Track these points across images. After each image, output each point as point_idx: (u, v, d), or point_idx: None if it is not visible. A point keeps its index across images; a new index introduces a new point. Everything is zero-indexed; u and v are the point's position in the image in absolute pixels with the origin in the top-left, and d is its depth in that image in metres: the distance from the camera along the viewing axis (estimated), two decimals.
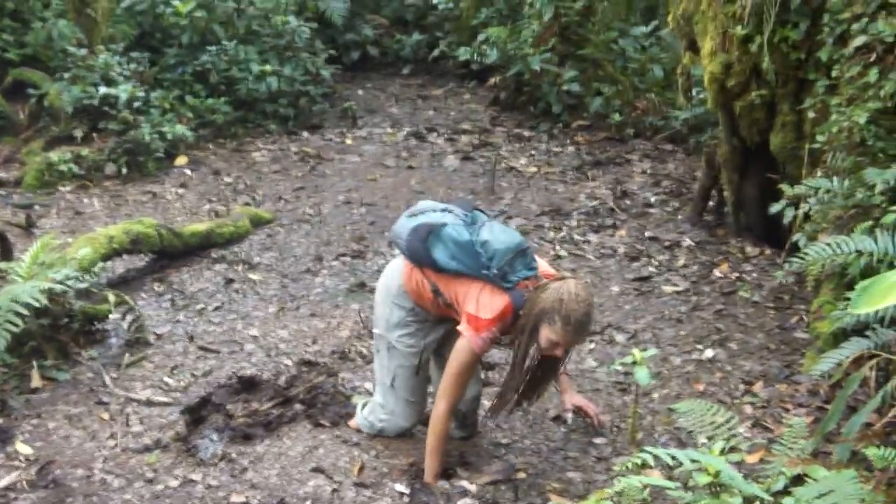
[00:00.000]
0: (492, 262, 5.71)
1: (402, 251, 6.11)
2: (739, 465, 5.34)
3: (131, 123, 11.80)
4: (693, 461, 4.58)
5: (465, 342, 5.73)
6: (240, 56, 13.46)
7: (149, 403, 7.03)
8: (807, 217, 7.33)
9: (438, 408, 5.93)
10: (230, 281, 9.09)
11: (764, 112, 8.79)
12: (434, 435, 5.96)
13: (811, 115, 7.97)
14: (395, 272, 6.25)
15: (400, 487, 5.98)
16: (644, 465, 5.01)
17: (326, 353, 7.71)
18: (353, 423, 6.60)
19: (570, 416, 6.60)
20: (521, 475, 6.15)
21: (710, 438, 5.35)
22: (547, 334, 5.55)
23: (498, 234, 5.85)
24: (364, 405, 6.58)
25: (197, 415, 6.91)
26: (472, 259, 5.75)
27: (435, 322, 6.19)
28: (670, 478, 5.28)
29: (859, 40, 7.11)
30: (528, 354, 5.76)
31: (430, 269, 5.92)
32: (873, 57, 7.05)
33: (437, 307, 6.04)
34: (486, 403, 6.59)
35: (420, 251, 5.88)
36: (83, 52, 12.38)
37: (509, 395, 5.97)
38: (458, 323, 5.87)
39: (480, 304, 5.71)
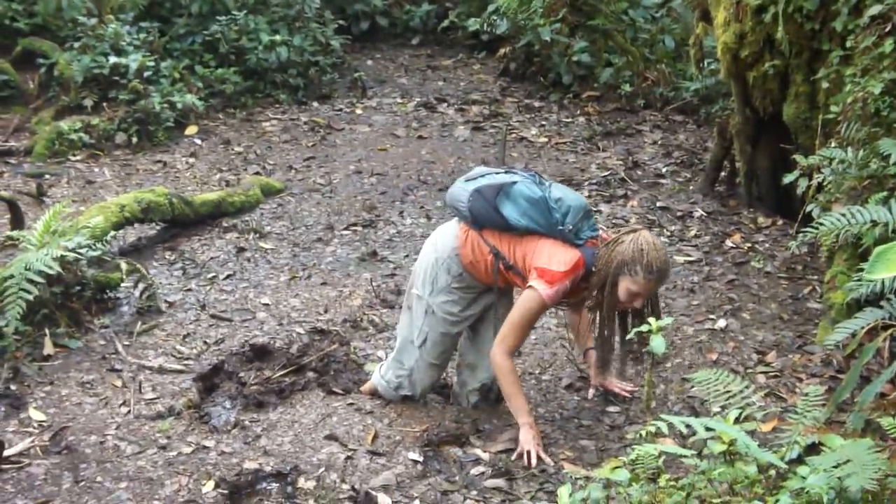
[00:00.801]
0: (566, 219, 5.76)
1: (461, 215, 6.08)
2: (753, 433, 5.32)
3: (141, 93, 11.80)
4: (707, 429, 4.57)
5: (535, 292, 5.74)
6: (249, 26, 13.45)
7: (161, 371, 7.05)
8: (820, 187, 7.29)
9: (498, 351, 5.92)
10: (241, 250, 9.09)
11: (777, 82, 8.76)
12: (504, 377, 5.95)
13: (825, 85, 7.92)
14: (447, 236, 6.20)
15: (413, 455, 5.97)
16: (658, 434, 5.00)
17: (338, 322, 7.70)
18: (366, 387, 6.60)
19: (592, 391, 6.60)
20: None
21: (723, 407, 5.33)
22: (627, 285, 5.64)
23: (568, 193, 5.96)
24: (381, 367, 6.56)
25: (209, 382, 6.92)
26: (544, 215, 5.79)
27: (479, 293, 6.19)
28: (684, 446, 5.26)
29: (874, 10, 7.06)
30: (612, 308, 5.82)
31: (492, 230, 5.94)
32: (888, 27, 7.00)
33: (490, 275, 6.03)
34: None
35: (486, 211, 5.89)
36: (93, 21, 12.38)
37: (608, 354, 6.10)
38: (503, 293, 6.03)
39: (553, 257, 5.74)
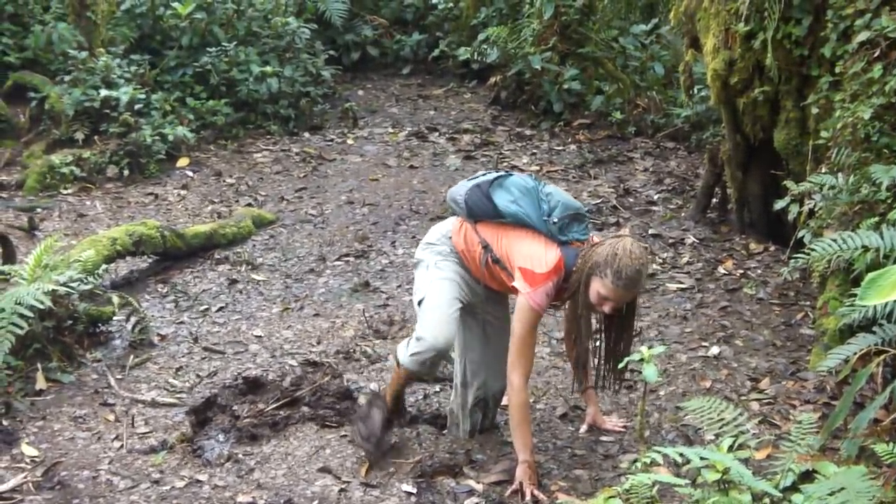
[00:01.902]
0: (553, 212, 5.78)
1: (458, 209, 6.13)
2: (747, 461, 5.32)
3: (132, 126, 11.79)
4: (701, 458, 4.56)
5: (524, 300, 5.75)
6: (240, 57, 13.46)
7: (154, 404, 7.03)
8: (811, 213, 7.30)
9: (513, 380, 5.87)
10: (234, 282, 9.08)
11: (767, 108, 8.78)
12: (518, 410, 5.89)
13: (815, 111, 7.95)
14: (445, 224, 6.31)
15: (407, 487, 5.96)
16: (652, 463, 5.00)
17: (331, 354, 7.69)
18: (396, 373, 6.42)
19: (584, 427, 6.57)
20: None
21: (717, 435, 5.32)
22: (597, 287, 5.60)
23: (561, 192, 6.00)
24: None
25: (202, 416, 6.89)
26: (533, 205, 5.82)
27: (473, 279, 6.19)
28: (678, 475, 5.26)
29: (863, 36, 7.08)
30: (586, 308, 5.78)
31: (485, 224, 5.97)
32: (877, 52, 7.01)
33: (479, 268, 6.04)
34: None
35: (480, 200, 5.95)
36: (83, 54, 12.37)
37: (583, 356, 6.09)
38: (494, 293, 6.05)
39: (534, 258, 5.75)
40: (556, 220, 5.78)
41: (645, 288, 5.74)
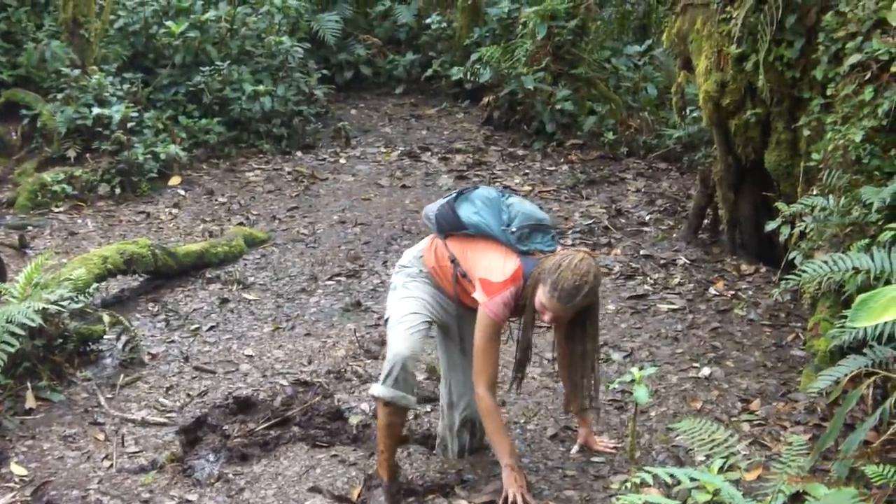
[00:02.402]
0: (513, 222, 5.79)
1: (430, 224, 6.16)
2: (738, 483, 5.32)
3: (125, 144, 11.80)
4: (692, 479, 4.56)
5: (482, 310, 5.77)
6: (233, 76, 13.47)
7: (144, 424, 7.01)
8: (802, 235, 7.31)
9: (478, 391, 5.89)
10: (225, 301, 9.08)
11: (759, 130, 8.80)
12: (487, 417, 5.92)
13: (806, 133, 7.96)
14: (418, 245, 6.33)
15: None
16: (643, 484, 5.00)
17: (322, 374, 7.68)
18: (379, 421, 6.25)
19: (576, 448, 6.54)
20: None
21: (708, 456, 5.33)
22: (539, 295, 5.60)
23: (525, 203, 6.03)
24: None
25: (193, 435, 6.89)
26: (494, 216, 5.83)
27: (443, 299, 6.17)
28: (669, 496, 5.26)
29: (854, 59, 7.10)
30: (531, 313, 5.76)
31: (453, 236, 5.98)
32: (868, 75, 7.03)
33: (450, 283, 6.03)
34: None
35: (447, 213, 5.98)
36: (76, 72, 12.40)
37: (524, 358, 6.06)
38: (471, 311, 5.96)
39: (491, 268, 5.76)
40: (514, 229, 5.79)
41: (590, 304, 5.64)
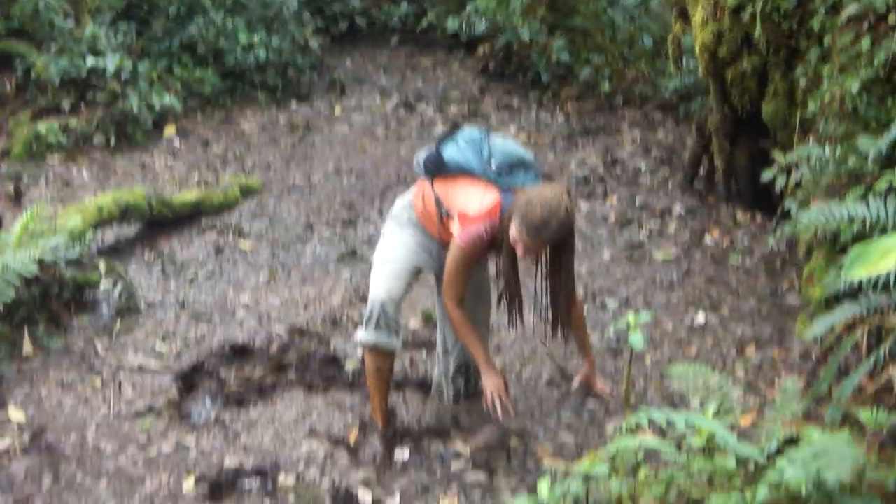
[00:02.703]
0: (492, 159, 5.80)
1: (418, 169, 6.13)
2: (732, 427, 5.34)
3: (119, 94, 11.75)
4: (687, 423, 4.58)
5: (454, 240, 5.79)
6: (227, 27, 13.38)
7: (141, 370, 7.04)
8: (798, 184, 7.31)
9: (447, 304, 5.95)
10: (220, 249, 9.08)
11: (755, 80, 8.79)
12: (459, 328, 5.98)
13: (803, 83, 7.95)
14: (408, 192, 6.33)
15: (397, 451, 6.01)
16: (638, 428, 5.02)
17: (318, 321, 7.71)
18: (367, 366, 6.30)
19: (576, 382, 6.52)
20: (515, 439, 6.17)
21: (702, 402, 5.35)
22: (512, 230, 5.58)
23: (508, 142, 6.05)
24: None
25: (189, 381, 6.92)
26: (475, 153, 5.85)
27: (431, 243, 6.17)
28: (664, 440, 5.28)
29: (851, 9, 7.08)
30: (508, 247, 5.71)
31: (439, 178, 5.96)
32: (865, 26, 7.02)
33: (438, 228, 6.03)
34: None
35: (432, 155, 5.97)
36: (70, 23, 12.32)
37: (513, 294, 5.99)
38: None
39: (470, 201, 5.77)
40: (495, 165, 5.80)
41: (563, 240, 5.58)
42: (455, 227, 5.80)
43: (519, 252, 5.64)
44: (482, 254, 5.89)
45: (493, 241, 5.79)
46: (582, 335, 6.34)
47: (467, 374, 6.48)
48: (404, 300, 6.13)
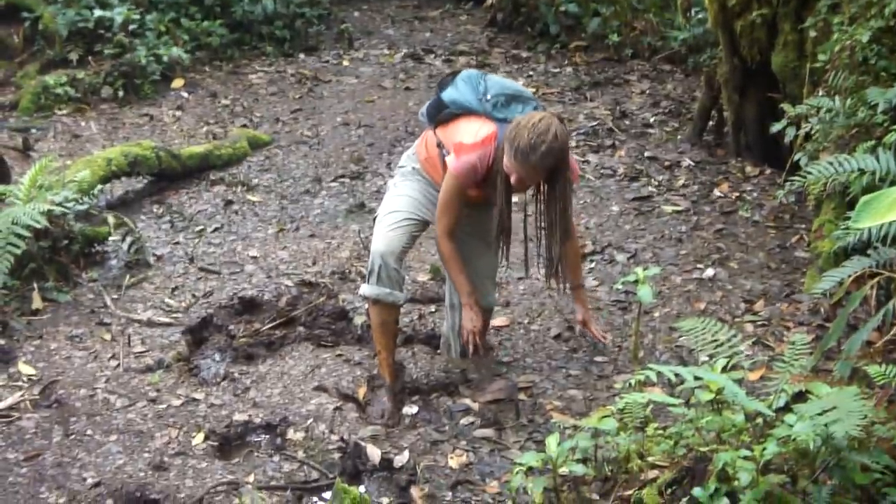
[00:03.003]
0: (488, 92, 5.80)
1: (422, 119, 6.20)
2: (741, 382, 5.34)
3: (127, 46, 11.73)
4: (696, 378, 4.59)
5: (448, 169, 5.83)
6: None
7: (150, 324, 7.06)
8: (808, 137, 7.28)
9: (438, 237, 6.03)
10: (229, 202, 9.08)
11: (765, 31, 8.74)
12: (446, 261, 6.09)
13: (813, 34, 7.90)
14: (414, 144, 6.37)
15: (406, 407, 6.02)
16: (646, 383, 5.03)
17: (327, 274, 7.71)
18: (372, 319, 6.30)
19: (578, 328, 6.58)
20: (523, 394, 6.18)
21: (711, 356, 5.34)
22: (504, 158, 5.58)
23: (504, 79, 6.11)
24: None
25: (199, 335, 6.94)
26: (471, 89, 5.84)
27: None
28: (672, 395, 5.29)
29: None
30: (503, 176, 5.70)
31: (441, 124, 5.97)
32: None
33: (441, 173, 6.01)
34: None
35: (434, 101, 6.03)
36: None
37: (504, 224, 5.97)
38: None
39: (467, 131, 5.78)
40: (490, 97, 5.78)
41: (555, 167, 5.53)
42: (450, 158, 5.81)
43: (513, 179, 5.63)
44: (475, 184, 5.88)
45: (490, 173, 5.78)
46: (576, 274, 6.34)
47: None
48: (408, 252, 6.18)
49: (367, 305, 6.43)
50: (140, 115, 11.25)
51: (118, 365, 6.55)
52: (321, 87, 12.22)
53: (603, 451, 5.02)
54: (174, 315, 7.20)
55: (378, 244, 5.96)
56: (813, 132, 7.10)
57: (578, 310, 6.49)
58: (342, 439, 5.70)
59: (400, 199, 6.10)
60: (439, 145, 5.97)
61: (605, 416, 4.92)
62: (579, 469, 4.72)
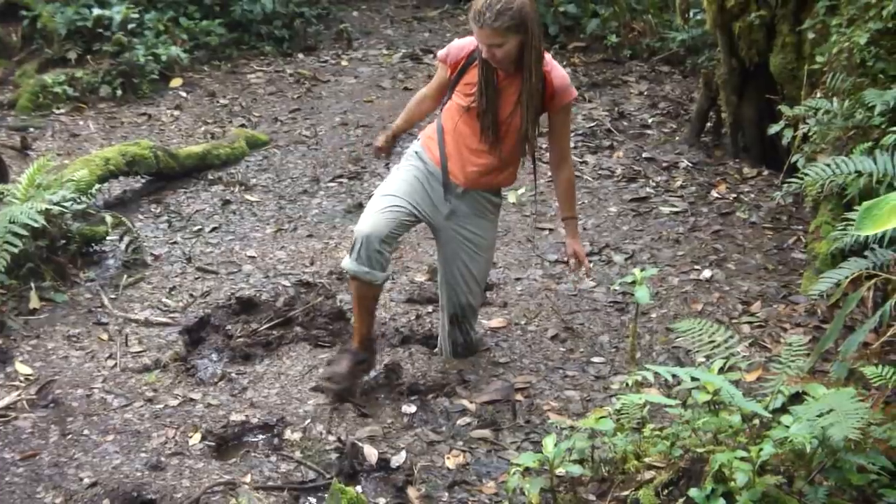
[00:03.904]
0: None
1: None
2: (738, 383, 5.35)
3: (125, 45, 11.74)
4: (693, 379, 4.59)
5: None
6: None
7: (147, 324, 7.05)
8: (805, 138, 7.29)
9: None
10: (227, 202, 9.08)
11: (763, 33, 8.77)
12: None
13: (811, 35, 7.92)
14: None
15: (405, 406, 6.02)
16: (643, 383, 5.03)
17: (324, 275, 7.71)
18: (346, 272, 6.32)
19: (572, 262, 6.35)
20: (520, 394, 6.19)
21: (708, 357, 5.35)
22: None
23: None
24: None
25: (196, 335, 6.94)
26: None
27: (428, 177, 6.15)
28: (669, 396, 5.30)
29: None
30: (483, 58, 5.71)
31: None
32: None
33: (437, 144, 6.12)
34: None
35: None
36: None
37: (485, 100, 5.87)
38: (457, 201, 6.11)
39: None
40: None
41: (517, 36, 5.48)
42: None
43: (485, 53, 5.61)
44: (454, 65, 5.97)
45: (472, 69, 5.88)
46: (568, 204, 6.27)
47: (461, 323, 6.46)
48: (397, 238, 6.16)
49: None
50: (138, 114, 11.25)
51: (115, 365, 6.53)
52: (320, 87, 12.24)
53: (600, 452, 5.02)
54: (171, 315, 7.19)
55: (363, 225, 5.91)
56: (810, 134, 7.11)
57: (568, 242, 6.35)
58: (339, 439, 5.70)
59: (399, 182, 6.10)
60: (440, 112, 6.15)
61: (602, 417, 4.92)
62: (576, 470, 4.72)
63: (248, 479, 5.41)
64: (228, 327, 7.00)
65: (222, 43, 13.04)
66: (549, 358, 6.61)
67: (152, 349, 6.74)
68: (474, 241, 6.17)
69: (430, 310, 7.15)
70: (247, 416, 5.96)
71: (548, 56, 5.83)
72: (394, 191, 6.04)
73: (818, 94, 7.36)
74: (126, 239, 7.92)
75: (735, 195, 8.89)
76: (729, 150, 9.80)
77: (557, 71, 5.87)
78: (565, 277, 7.62)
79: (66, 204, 7.46)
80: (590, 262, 7.18)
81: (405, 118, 6.49)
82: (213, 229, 8.57)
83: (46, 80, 11.36)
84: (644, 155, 9.90)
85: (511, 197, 8.89)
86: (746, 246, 8.01)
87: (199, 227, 8.60)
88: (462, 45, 5.89)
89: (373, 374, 6.32)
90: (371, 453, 5.56)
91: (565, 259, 6.60)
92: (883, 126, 6.40)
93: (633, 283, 6.05)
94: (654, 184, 9.23)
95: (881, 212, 4.30)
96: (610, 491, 4.86)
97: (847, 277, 5.70)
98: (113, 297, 7.38)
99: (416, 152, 6.19)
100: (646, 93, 11.77)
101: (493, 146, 5.94)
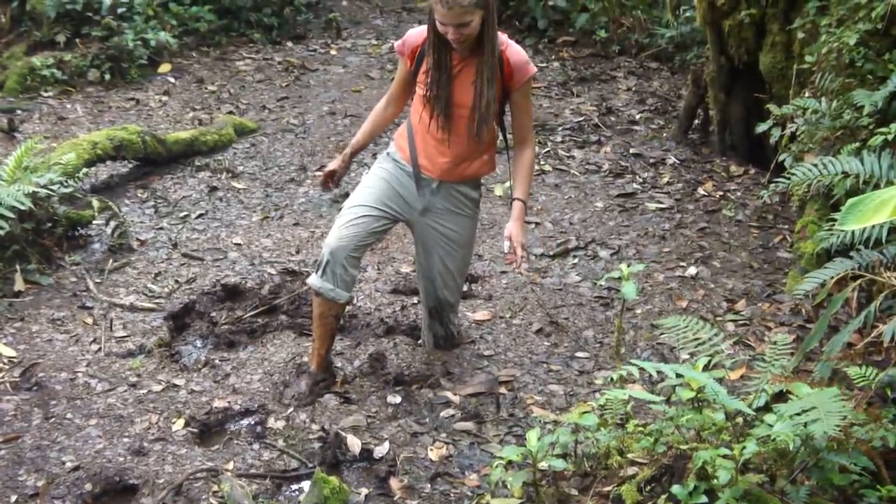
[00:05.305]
0: None
1: None
2: (722, 381, 5.36)
3: (114, 29, 11.70)
4: (677, 376, 4.60)
5: None
6: None
7: (132, 309, 7.03)
8: (793, 137, 7.32)
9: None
10: (214, 189, 9.07)
11: (753, 31, 8.78)
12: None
13: (801, 35, 7.93)
14: None
15: (390, 397, 6.04)
16: (627, 379, 5.04)
17: (310, 263, 7.70)
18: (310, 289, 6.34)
19: (507, 244, 5.95)
20: (504, 388, 6.19)
21: (692, 354, 5.36)
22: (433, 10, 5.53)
23: None
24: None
25: (180, 321, 6.94)
26: None
27: (401, 181, 6.10)
28: (653, 392, 5.31)
29: None
30: (437, 35, 5.62)
31: None
32: None
33: (407, 139, 6.08)
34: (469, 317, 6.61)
35: None
36: None
37: (441, 92, 5.79)
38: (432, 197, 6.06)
39: None
40: None
41: (474, 12, 5.42)
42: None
43: (450, 35, 5.51)
44: (412, 54, 5.89)
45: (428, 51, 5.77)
46: (522, 185, 6.01)
47: (440, 316, 6.45)
48: (367, 249, 6.13)
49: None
50: (126, 98, 11.22)
51: (99, 349, 6.53)
52: (308, 76, 12.23)
53: (583, 447, 5.03)
54: (156, 300, 7.18)
55: (331, 239, 5.91)
56: (798, 133, 7.13)
57: (508, 226, 5.97)
58: (323, 429, 5.70)
59: (366, 190, 6.05)
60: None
61: (586, 412, 4.93)
62: (559, 464, 4.73)
63: (230, 466, 5.41)
64: (213, 314, 7.00)
65: (211, 29, 13.02)
66: (534, 352, 6.61)
67: (137, 334, 6.73)
68: (451, 237, 6.13)
69: (415, 301, 7.16)
70: (229, 402, 5.96)
71: (503, 35, 5.76)
72: (360, 201, 6.00)
73: (807, 94, 7.38)
74: (112, 223, 7.91)
75: (721, 193, 8.91)
76: (716, 147, 9.82)
77: (513, 48, 5.77)
78: (550, 271, 7.63)
79: (52, 187, 7.46)
80: (574, 257, 7.19)
81: (366, 130, 6.33)
82: (200, 216, 8.56)
83: (35, 62, 11.33)
84: (631, 151, 9.91)
85: (497, 190, 8.90)
86: (732, 244, 8.04)
87: (186, 213, 8.59)
88: (418, 32, 5.82)
89: (357, 363, 6.33)
90: (354, 443, 5.57)
91: (504, 243, 6.32)
92: (871, 127, 6.42)
93: (619, 278, 6.05)
94: (640, 180, 9.25)
95: (866, 208, 4.32)
96: (592, 486, 4.88)
97: (832, 278, 5.72)
98: (98, 281, 7.37)
99: (388, 153, 6.17)
100: (634, 89, 11.78)
101: (445, 132, 5.87)
